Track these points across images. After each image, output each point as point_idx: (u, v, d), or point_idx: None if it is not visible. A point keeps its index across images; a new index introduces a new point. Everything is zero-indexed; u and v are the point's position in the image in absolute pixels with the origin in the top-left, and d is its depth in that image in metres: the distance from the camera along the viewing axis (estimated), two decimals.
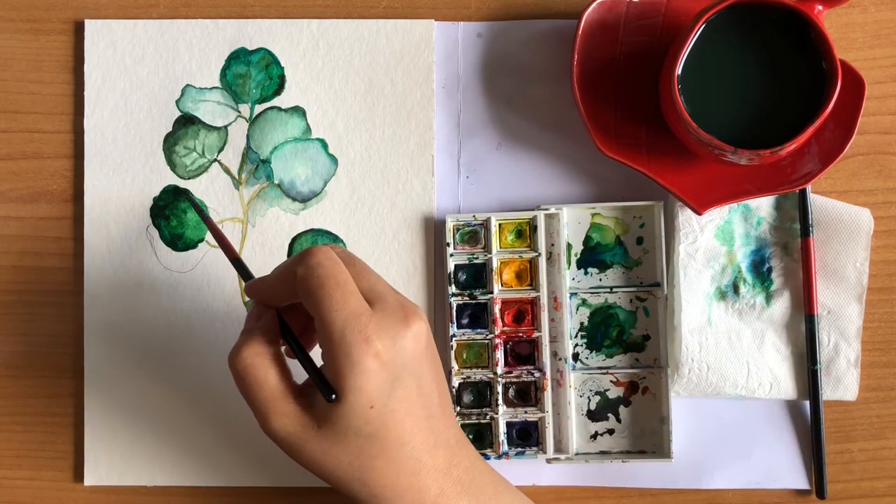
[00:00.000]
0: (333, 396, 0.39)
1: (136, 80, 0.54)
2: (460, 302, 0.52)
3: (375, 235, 0.53)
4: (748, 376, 0.52)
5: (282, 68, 0.54)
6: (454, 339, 0.52)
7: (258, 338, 0.41)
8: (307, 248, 0.41)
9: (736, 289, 0.53)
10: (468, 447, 0.44)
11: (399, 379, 0.39)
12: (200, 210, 0.50)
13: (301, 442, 0.40)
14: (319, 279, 0.39)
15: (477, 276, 0.53)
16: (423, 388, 0.41)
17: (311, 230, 0.53)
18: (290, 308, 0.43)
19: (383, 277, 0.42)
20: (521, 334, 0.52)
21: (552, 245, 0.53)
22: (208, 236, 0.54)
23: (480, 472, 0.43)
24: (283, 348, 0.43)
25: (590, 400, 0.53)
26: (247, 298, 0.53)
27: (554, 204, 0.53)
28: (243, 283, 0.46)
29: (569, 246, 0.53)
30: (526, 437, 0.52)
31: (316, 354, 0.42)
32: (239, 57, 0.54)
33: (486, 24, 0.54)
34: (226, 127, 0.54)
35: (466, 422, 0.52)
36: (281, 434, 0.40)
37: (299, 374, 0.42)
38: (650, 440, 0.52)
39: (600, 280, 0.53)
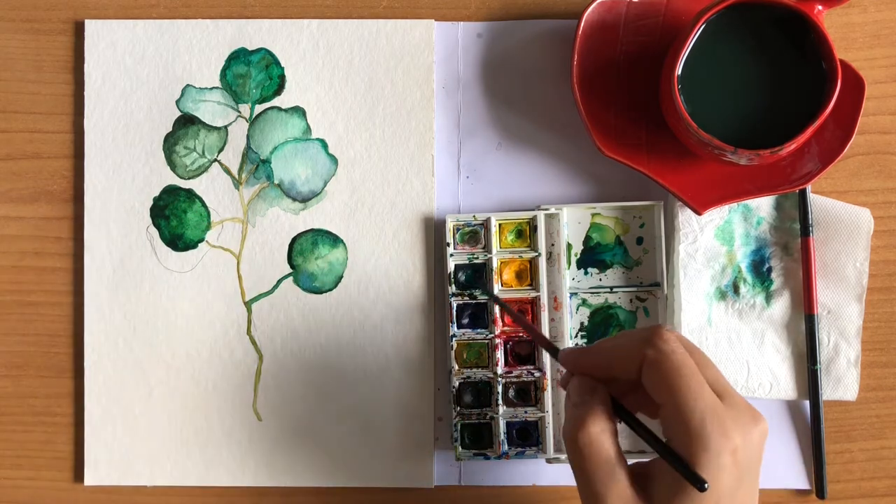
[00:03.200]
0: (706, 486, 0.36)
1: (136, 80, 0.54)
2: (460, 302, 0.52)
3: (375, 235, 0.53)
4: (748, 376, 0.52)
5: (282, 68, 0.54)
6: (454, 339, 0.52)
7: (601, 414, 0.40)
8: (651, 328, 0.40)
9: (736, 289, 0.53)
10: None
11: (743, 479, 0.38)
12: (510, 311, 0.49)
13: None
14: (675, 365, 0.38)
15: (477, 276, 0.53)
16: (753, 491, 0.39)
17: (311, 230, 0.53)
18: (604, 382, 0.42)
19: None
20: (521, 334, 0.52)
21: (552, 245, 0.53)
22: (208, 236, 0.54)
23: None
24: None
25: None
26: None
27: (554, 204, 0.53)
28: (547, 354, 0.45)
29: (569, 246, 0.53)
30: (526, 437, 0.52)
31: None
32: (239, 57, 0.54)
33: (486, 24, 0.54)
34: (226, 127, 0.54)
35: (466, 422, 0.52)
36: None
37: None
38: None
39: (600, 280, 0.53)
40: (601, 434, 0.39)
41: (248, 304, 0.53)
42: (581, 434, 0.39)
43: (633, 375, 0.40)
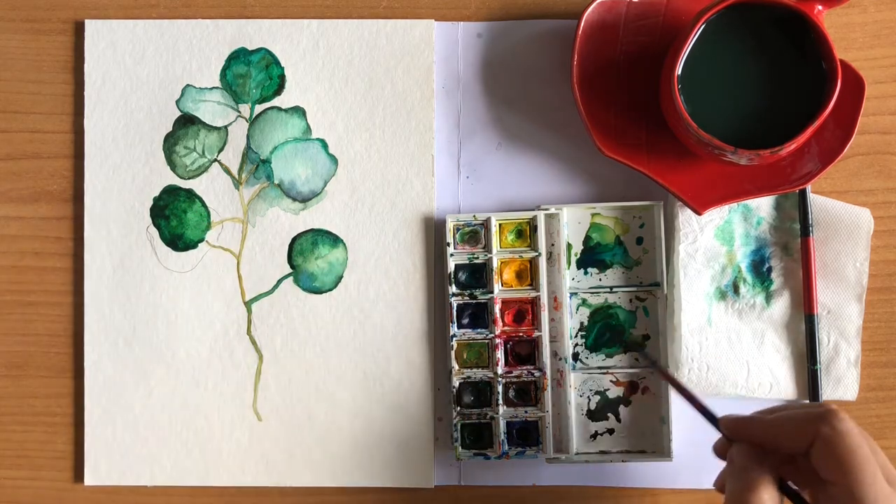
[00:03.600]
0: None
1: (136, 80, 0.54)
2: (460, 302, 0.52)
3: (375, 235, 0.53)
4: (748, 376, 0.52)
5: (282, 68, 0.54)
6: (454, 338, 0.52)
7: (770, 483, 0.40)
8: (823, 405, 0.40)
9: (736, 289, 0.53)
10: None
11: None
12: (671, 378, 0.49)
13: None
14: (851, 447, 0.38)
15: (477, 276, 0.53)
16: None
17: (311, 230, 0.53)
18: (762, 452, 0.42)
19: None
20: (521, 334, 0.52)
21: (552, 245, 0.53)
22: (208, 236, 0.54)
23: None
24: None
25: (590, 400, 0.53)
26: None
27: (554, 204, 0.53)
28: (708, 420, 0.45)
29: (569, 246, 0.53)
30: (526, 436, 0.52)
31: None
32: (239, 57, 0.54)
33: (486, 24, 0.54)
34: (226, 127, 0.54)
35: (466, 422, 0.52)
36: None
37: None
38: (650, 440, 0.52)
39: (600, 280, 0.53)
40: (769, 502, 0.39)
41: (248, 304, 0.53)
42: (753, 498, 0.39)
43: (799, 450, 0.40)
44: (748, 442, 0.42)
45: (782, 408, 0.43)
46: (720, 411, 0.53)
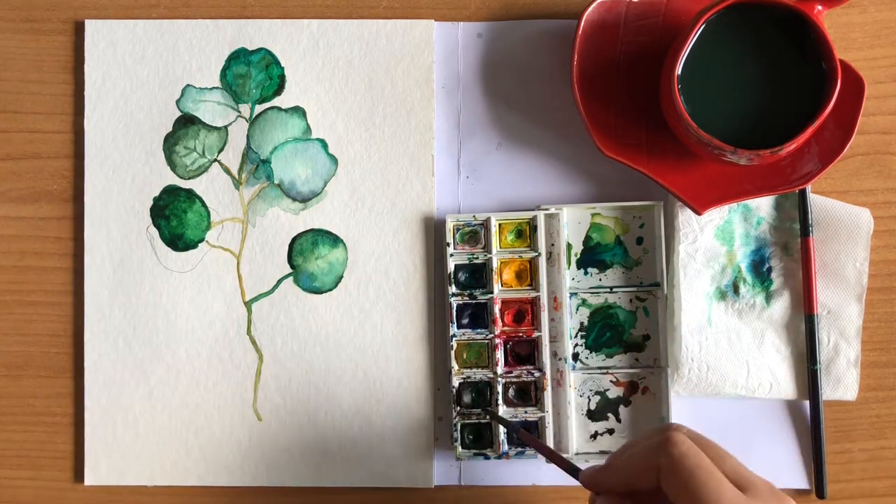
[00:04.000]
0: None
1: (136, 80, 0.54)
2: (460, 302, 0.52)
3: (375, 235, 0.53)
4: (748, 376, 0.52)
5: (282, 68, 0.54)
6: (454, 339, 0.52)
7: None
8: (660, 432, 0.40)
9: (736, 289, 0.53)
10: None
11: None
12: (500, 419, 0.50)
13: None
14: (689, 470, 0.38)
15: (477, 276, 0.53)
16: None
17: (311, 230, 0.53)
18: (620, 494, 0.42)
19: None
20: (521, 334, 0.52)
21: (552, 245, 0.53)
22: (208, 236, 0.54)
23: None
24: None
25: (590, 400, 0.53)
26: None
27: (554, 204, 0.53)
28: (568, 472, 0.45)
29: (569, 246, 0.53)
30: None
31: None
32: (239, 57, 0.54)
33: (486, 24, 0.54)
34: (226, 127, 0.54)
35: (466, 422, 0.52)
36: None
37: None
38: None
39: (600, 280, 0.53)
40: None
41: (248, 304, 0.53)
42: None
43: (654, 484, 0.40)
44: (608, 492, 0.42)
45: (632, 444, 0.42)
46: (721, 411, 0.53)
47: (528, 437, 0.49)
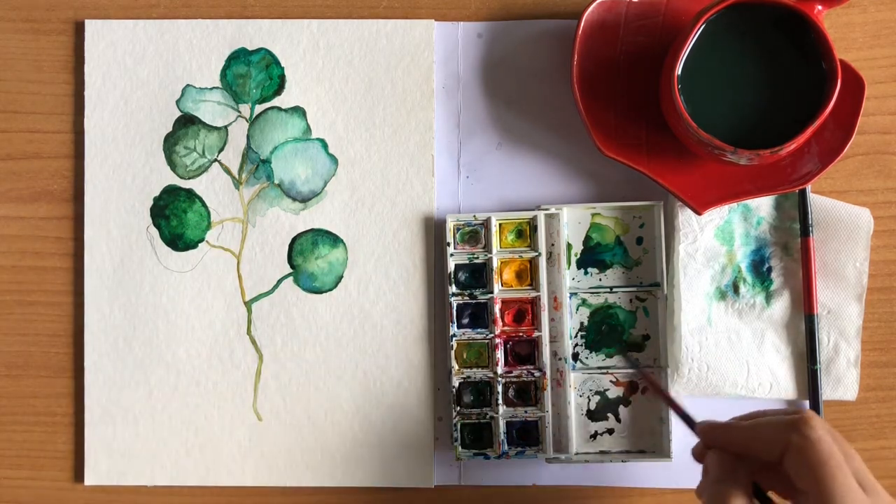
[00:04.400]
0: None
1: (136, 80, 0.54)
2: (460, 302, 0.52)
3: (375, 235, 0.53)
4: (748, 376, 0.52)
5: (282, 68, 0.54)
6: (454, 338, 0.52)
7: (743, 495, 0.40)
8: (797, 412, 0.40)
9: (736, 289, 0.53)
10: None
11: None
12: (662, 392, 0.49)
13: None
14: (822, 457, 0.38)
15: (477, 275, 0.53)
16: None
17: (312, 230, 0.53)
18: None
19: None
20: (521, 334, 0.52)
21: (552, 245, 0.53)
22: (208, 236, 0.54)
23: None
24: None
25: (590, 400, 0.53)
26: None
27: (554, 204, 0.53)
28: (686, 425, 0.45)
29: (569, 246, 0.53)
30: (526, 436, 0.52)
31: None
32: (239, 57, 0.54)
33: (486, 24, 0.54)
34: (226, 127, 0.54)
35: (466, 422, 0.52)
36: None
37: None
38: (650, 440, 0.52)
39: (600, 280, 0.53)
40: None
41: (248, 304, 0.53)
42: None
43: (773, 458, 0.40)
44: (723, 449, 0.42)
45: (759, 413, 0.42)
46: (721, 411, 0.53)
47: (650, 379, 0.50)
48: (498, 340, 0.52)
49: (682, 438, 0.52)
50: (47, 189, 0.54)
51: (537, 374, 0.52)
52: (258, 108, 0.54)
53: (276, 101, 0.54)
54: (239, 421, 0.53)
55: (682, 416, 0.45)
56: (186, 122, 0.54)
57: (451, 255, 0.52)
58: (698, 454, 0.44)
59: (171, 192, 0.54)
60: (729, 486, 0.40)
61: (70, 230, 0.54)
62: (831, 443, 0.39)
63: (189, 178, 0.54)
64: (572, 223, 0.53)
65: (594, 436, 0.53)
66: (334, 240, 0.53)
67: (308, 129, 0.54)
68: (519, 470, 0.53)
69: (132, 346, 0.53)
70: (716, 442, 0.42)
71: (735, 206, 0.52)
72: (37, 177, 0.54)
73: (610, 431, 0.53)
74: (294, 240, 0.54)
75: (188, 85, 0.54)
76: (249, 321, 0.53)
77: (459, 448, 0.52)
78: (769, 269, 0.53)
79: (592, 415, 0.53)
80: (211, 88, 0.54)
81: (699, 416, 0.53)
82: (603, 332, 0.53)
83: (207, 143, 0.54)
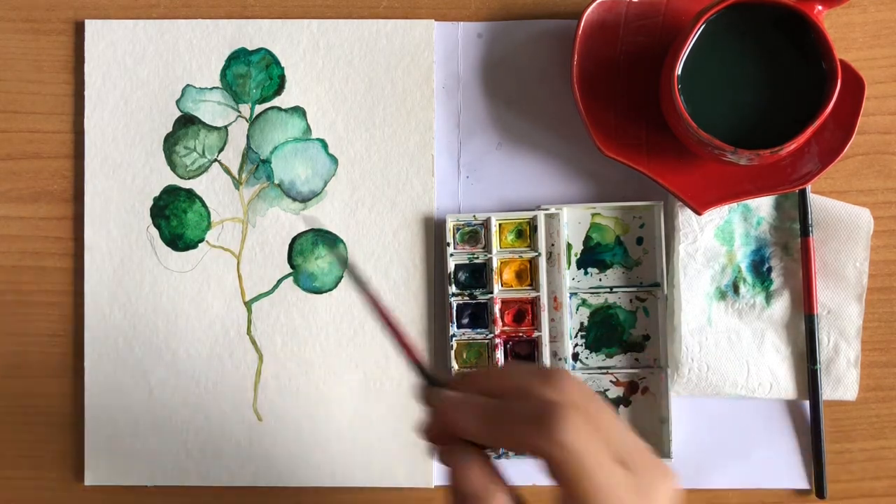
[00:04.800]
0: None
1: (136, 80, 0.54)
2: (460, 302, 0.52)
3: (375, 235, 0.53)
4: (748, 376, 0.52)
5: (282, 68, 0.54)
6: (454, 339, 0.52)
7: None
8: (542, 408, 0.34)
9: (736, 289, 0.53)
10: None
11: None
12: (370, 296, 0.39)
13: None
14: (577, 469, 0.33)
15: (477, 276, 0.53)
16: None
17: (312, 230, 0.53)
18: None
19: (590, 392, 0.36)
20: (521, 334, 0.52)
21: (552, 245, 0.53)
22: (208, 236, 0.54)
23: None
24: None
25: None
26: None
27: (554, 204, 0.53)
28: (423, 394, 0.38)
29: (569, 246, 0.53)
30: None
31: None
32: (239, 57, 0.54)
33: (486, 24, 0.54)
34: (226, 127, 0.54)
35: None
36: None
37: None
38: (650, 440, 0.52)
39: (600, 280, 0.53)
40: None
41: (248, 304, 0.53)
42: None
43: (517, 454, 0.37)
44: (456, 436, 0.36)
45: (510, 372, 0.36)
46: (721, 411, 0.53)
47: (375, 301, 0.39)
48: (498, 340, 0.52)
49: (682, 438, 0.52)
50: (47, 189, 0.54)
51: None
52: (258, 108, 0.54)
53: (276, 101, 0.54)
54: (239, 421, 0.53)
55: (416, 367, 0.38)
56: (186, 122, 0.54)
57: (451, 255, 0.52)
58: (434, 434, 0.37)
59: (171, 192, 0.54)
60: (494, 492, 0.35)
61: (70, 230, 0.54)
62: (585, 446, 0.33)
63: (189, 178, 0.54)
64: (572, 223, 0.53)
65: None
66: (334, 240, 0.53)
67: (308, 129, 0.54)
68: (519, 470, 0.53)
69: (132, 346, 0.53)
70: (451, 426, 0.36)
71: (735, 206, 0.52)
72: (37, 177, 0.54)
73: None
74: (294, 240, 0.54)
75: (188, 85, 0.54)
76: (249, 321, 0.53)
77: None
78: (769, 270, 0.53)
79: None
80: (211, 88, 0.54)
81: (700, 417, 0.53)
82: (605, 336, 0.53)
83: (207, 143, 0.54)
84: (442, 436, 0.37)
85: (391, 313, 0.39)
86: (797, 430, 0.53)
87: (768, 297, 0.53)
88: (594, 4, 0.51)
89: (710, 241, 0.52)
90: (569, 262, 0.53)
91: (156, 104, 0.54)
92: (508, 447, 0.36)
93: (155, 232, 0.54)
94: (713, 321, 0.52)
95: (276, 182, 0.54)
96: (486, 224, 0.52)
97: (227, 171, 0.54)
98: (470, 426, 0.35)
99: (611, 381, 0.53)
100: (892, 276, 0.53)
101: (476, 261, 0.53)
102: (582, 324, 0.53)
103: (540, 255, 0.52)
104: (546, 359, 0.52)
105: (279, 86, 0.54)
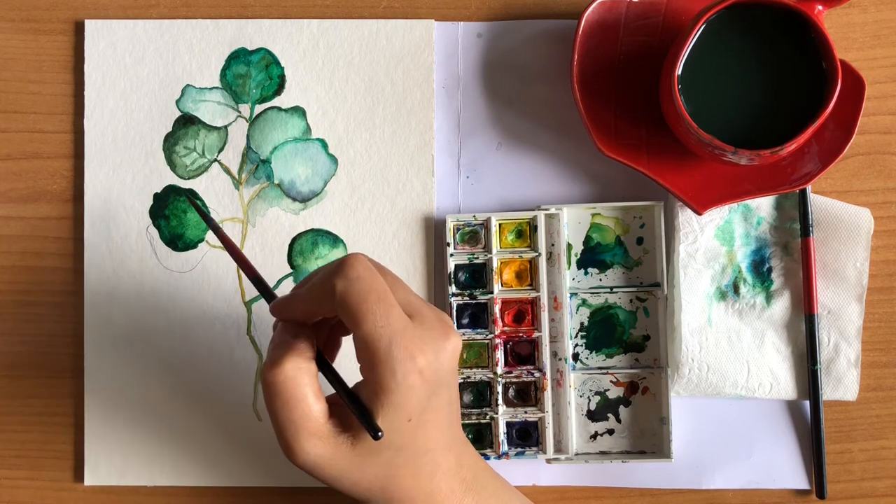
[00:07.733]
0: (380, 434, 0.38)
1: (136, 80, 0.54)
2: (460, 302, 0.52)
3: (375, 235, 0.53)
4: (748, 376, 0.52)
5: (282, 68, 0.54)
6: None
7: (299, 353, 0.39)
8: (342, 258, 0.39)
9: (736, 289, 0.53)
10: (470, 447, 0.45)
11: (435, 393, 0.39)
12: (205, 215, 0.45)
13: (330, 462, 0.39)
14: (361, 293, 0.38)
15: (477, 276, 0.53)
16: (451, 397, 0.42)
17: (312, 230, 0.53)
18: (313, 326, 0.42)
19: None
20: (521, 334, 0.52)
21: (552, 245, 0.53)
22: (209, 236, 0.54)
23: (481, 469, 0.44)
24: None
25: (590, 400, 0.53)
26: (247, 298, 0.53)
27: (554, 204, 0.53)
28: (262, 299, 0.44)
29: (569, 246, 0.53)
30: (526, 437, 0.52)
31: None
32: (239, 57, 0.54)
33: (486, 24, 0.54)
34: (226, 127, 0.54)
35: (466, 422, 0.52)
36: (311, 455, 0.39)
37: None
38: (650, 440, 0.52)
39: (600, 280, 0.53)
40: (298, 371, 0.39)
41: (248, 304, 0.53)
42: (275, 372, 0.39)
43: (332, 313, 0.40)
44: (292, 319, 0.41)
45: (315, 272, 0.41)
46: (721, 411, 0.53)
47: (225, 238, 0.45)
48: (498, 341, 0.52)
49: (682, 438, 0.52)
50: (47, 189, 0.54)
51: (537, 374, 0.52)
52: (258, 108, 0.54)
53: (275, 101, 0.54)
54: (239, 421, 0.53)
55: (258, 285, 0.43)
56: (186, 122, 0.54)
57: (451, 255, 0.52)
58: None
59: (171, 192, 0.54)
60: (285, 347, 0.39)
61: (70, 230, 0.54)
62: (371, 278, 0.38)
63: (189, 178, 0.54)
64: (572, 223, 0.53)
65: (594, 436, 0.53)
66: (334, 240, 0.53)
67: (308, 129, 0.54)
68: (519, 470, 0.53)
69: (132, 346, 0.53)
70: (284, 314, 0.41)
71: (735, 206, 0.52)
72: (37, 177, 0.54)
73: (610, 432, 0.53)
74: (294, 240, 0.54)
75: (188, 85, 0.54)
76: (249, 321, 0.53)
77: None
78: (769, 270, 0.53)
79: (592, 415, 0.53)
80: (211, 88, 0.54)
81: (700, 417, 0.53)
82: (605, 336, 0.53)
83: (207, 143, 0.54)
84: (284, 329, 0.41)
85: (231, 241, 0.45)
86: (797, 431, 0.53)
87: (768, 298, 0.53)
88: (594, 4, 0.51)
89: (710, 242, 0.52)
90: (569, 263, 0.53)
91: (156, 104, 0.54)
92: (317, 304, 0.40)
93: (155, 232, 0.54)
94: (713, 321, 0.52)
95: (276, 182, 0.54)
96: (486, 224, 0.52)
97: (227, 171, 0.54)
98: (291, 305, 0.41)
99: (611, 381, 0.53)
100: (892, 276, 0.53)
101: (476, 261, 0.53)
102: (582, 324, 0.53)
103: (540, 255, 0.52)
104: (546, 359, 0.52)
105: (279, 86, 0.54)
